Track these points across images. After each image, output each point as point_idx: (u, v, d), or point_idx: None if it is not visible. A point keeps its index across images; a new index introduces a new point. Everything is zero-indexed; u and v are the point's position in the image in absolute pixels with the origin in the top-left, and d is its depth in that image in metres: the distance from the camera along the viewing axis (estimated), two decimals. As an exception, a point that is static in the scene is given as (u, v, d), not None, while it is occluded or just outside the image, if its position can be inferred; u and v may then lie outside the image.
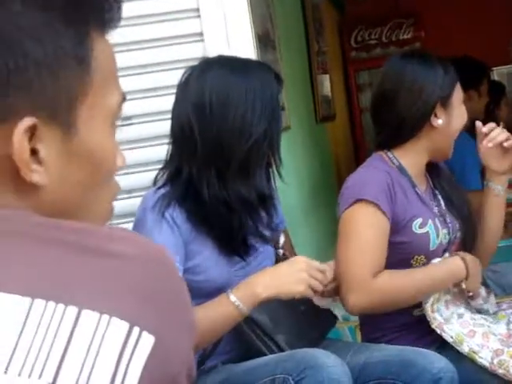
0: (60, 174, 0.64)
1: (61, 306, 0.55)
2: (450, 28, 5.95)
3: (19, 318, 0.54)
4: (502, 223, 2.01)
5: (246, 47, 2.06)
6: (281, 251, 1.84)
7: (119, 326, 0.55)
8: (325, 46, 4.92)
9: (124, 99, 0.70)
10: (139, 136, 2.08)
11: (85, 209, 0.69)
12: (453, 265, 1.84)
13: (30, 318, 0.54)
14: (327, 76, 4.93)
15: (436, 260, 1.88)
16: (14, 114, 0.61)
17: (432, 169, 2.00)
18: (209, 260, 1.69)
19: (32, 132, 0.61)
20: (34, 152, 0.62)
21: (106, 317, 0.55)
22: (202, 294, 1.66)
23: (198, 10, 2.05)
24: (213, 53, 2.02)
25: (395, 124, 1.87)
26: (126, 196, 2.03)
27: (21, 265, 0.57)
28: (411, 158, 1.91)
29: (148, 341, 0.55)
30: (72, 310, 0.55)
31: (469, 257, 1.87)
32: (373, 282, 1.78)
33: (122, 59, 2.06)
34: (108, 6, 0.65)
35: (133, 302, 0.57)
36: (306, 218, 3.48)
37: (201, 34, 2.06)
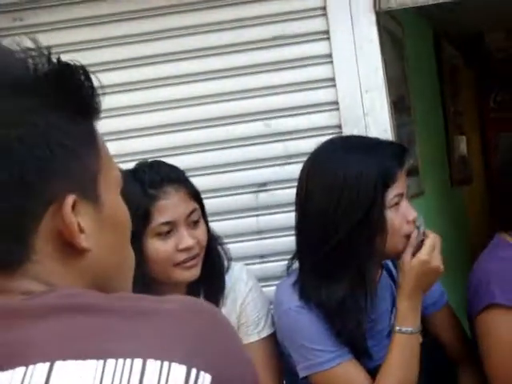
0: (97, 240, 0.77)
1: (128, 360, 0.67)
2: None
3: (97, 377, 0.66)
4: None
5: (382, 117, 2.08)
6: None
7: (179, 369, 0.67)
8: (461, 106, 4.83)
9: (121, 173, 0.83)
10: (276, 201, 2.11)
11: (119, 273, 0.82)
12: None
13: (104, 373, 0.66)
14: (463, 137, 4.83)
15: None
16: (57, 196, 0.74)
17: None
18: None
19: (73, 207, 0.74)
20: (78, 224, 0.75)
21: (166, 363, 0.67)
22: None
23: (333, 79, 2.09)
24: (350, 127, 2.03)
25: None
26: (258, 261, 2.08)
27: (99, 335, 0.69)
28: None
29: (206, 378, 0.67)
30: (138, 361, 0.67)
31: None
32: None
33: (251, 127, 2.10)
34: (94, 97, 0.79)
35: (186, 348, 0.69)
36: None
37: (336, 103, 2.09)
